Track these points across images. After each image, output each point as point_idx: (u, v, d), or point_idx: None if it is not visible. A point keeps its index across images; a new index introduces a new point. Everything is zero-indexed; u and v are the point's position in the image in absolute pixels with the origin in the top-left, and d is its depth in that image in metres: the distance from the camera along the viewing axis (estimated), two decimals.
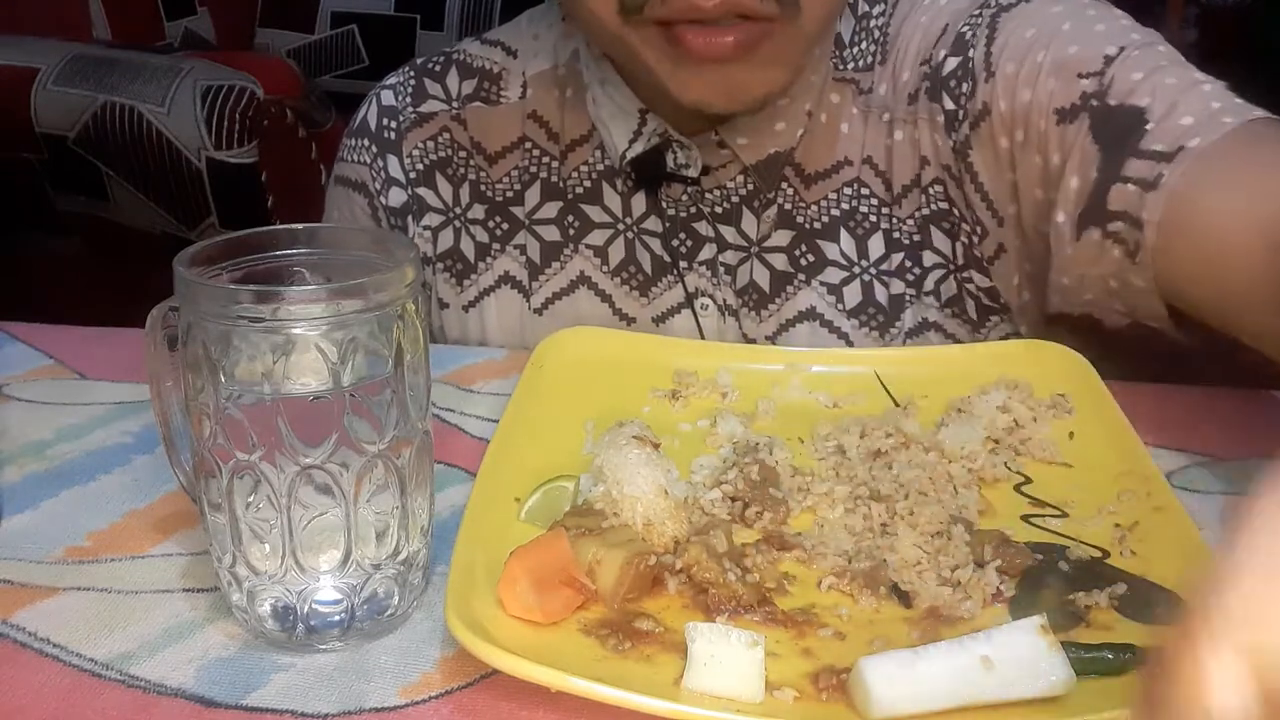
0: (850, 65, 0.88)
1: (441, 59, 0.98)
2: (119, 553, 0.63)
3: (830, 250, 0.89)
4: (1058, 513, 0.64)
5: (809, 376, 0.79)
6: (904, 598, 0.58)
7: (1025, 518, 0.64)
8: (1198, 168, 0.70)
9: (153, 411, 0.60)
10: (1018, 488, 0.67)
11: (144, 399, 0.64)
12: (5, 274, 1.91)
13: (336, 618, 0.55)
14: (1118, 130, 0.74)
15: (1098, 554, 0.61)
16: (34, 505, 0.68)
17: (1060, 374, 0.76)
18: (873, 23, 0.89)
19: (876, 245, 0.88)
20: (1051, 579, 0.59)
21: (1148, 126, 0.73)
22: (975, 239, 0.85)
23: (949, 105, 0.83)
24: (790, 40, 0.77)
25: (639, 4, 0.75)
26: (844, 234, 0.88)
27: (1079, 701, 0.49)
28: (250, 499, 0.53)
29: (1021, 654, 0.49)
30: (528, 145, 0.94)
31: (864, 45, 0.88)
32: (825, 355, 0.81)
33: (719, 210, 0.90)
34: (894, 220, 0.87)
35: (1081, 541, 0.62)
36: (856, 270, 0.88)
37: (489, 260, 0.95)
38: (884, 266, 0.88)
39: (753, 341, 0.91)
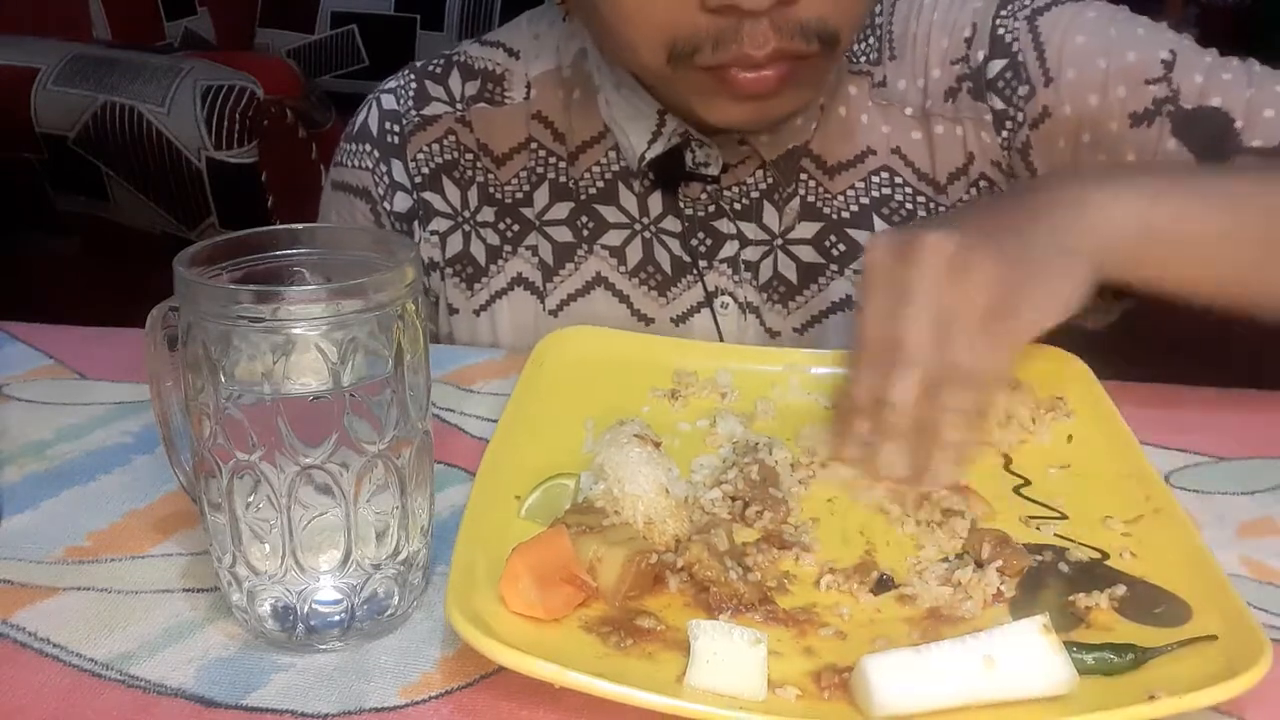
0: (862, 59, 0.90)
1: (441, 61, 0.97)
2: (119, 553, 0.63)
3: (863, 238, 0.89)
4: (1057, 515, 0.64)
5: (808, 378, 0.79)
6: (888, 583, 0.58)
7: (1025, 519, 0.64)
8: None
9: (153, 411, 0.60)
10: (1017, 490, 0.67)
11: (144, 399, 0.64)
12: (5, 274, 1.91)
13: (336, 618, 0.55)
14: (1205, 131, 0.80)
15: (1097, 555, 0.61)
16: (34, 505, 0.68)
17: (1058, 377, 0.76)
18: (877, 20, 0.90)
19: None
20: (1051, 580, 0.59)
21: (1236, 125, 0.80)
22: None
23: (998, 105, 0.86)
24: (825, 65, 0.80)
25: (689, 53, 0.75)
26: (878, 221, 0.89)
27: (1081, 701, 0.49)
28: (250, 499, 0.53)
29: (1024, 653, 0.49)
30: (533, 146, 0.94)
31: (870, 40, 0.90)
32: (824, 357, 0.81)
33: (738, 207, 0.90)
34: (936, 208, 0.89)
35: (1081, 543, 0.62)
36: None
37: (500, 263, 0.95)
38: None
39: (777, 335, 0.91)
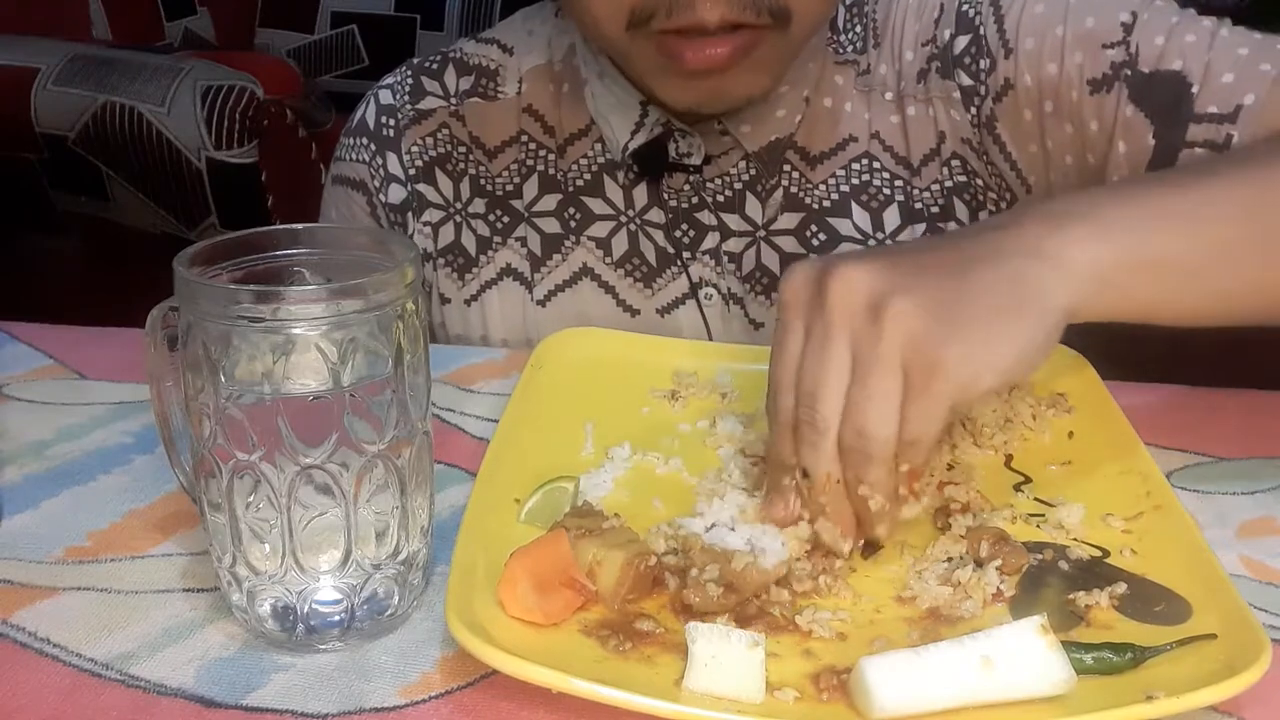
0: (849, 49, 0.91)
1: (438, 58, 0.99)
2: (119, 553, 0.63)
3: (843, 226, 0.90)
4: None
5: None
6: (872, 547, 0.59)
7: (1025, 517, 0.64)
8: (1261, 124, 0.75)
9: (153, 411, 0.60)
10: (1017, 487, 0.67)
11: (144, 399, 0.64)
12: (5, 274, 1.91)
13: (336, 618, 0.55)
14: (1162, 96, 0.78)
15: (1098, 553, 0.61)
16: (34, 505, 0.68)
17: (1060, 373, 0.76)
18: (867, 8, 0.91)
19: (892, 217, 0.90)
20: (1051, 578, 0.59)
21: (1193, 90, 0.77)
22: (1003, 205, 0.89)
23: (965, 81, 0.86)
24: (778, 47, 0.80)
25: (645, 18, 0.77)
26: (856, 209, 0.90)
27: (1080, 701, 0.49)
28: (250, 499, 0.53)
29: (1022, 654, 0.49)
30: (524, 139, 0.95)
31: (857, 29, 0.91)
32: None
33: (721, 198, 0.91)
34: (912, 190, 0.89)
35: (1081, 541, 0.62)
36: (872, 243, 0.90)
37: (490, 253, 0.96)
38: (902, 237, 0.90)
39: (761, 326, 0.91)
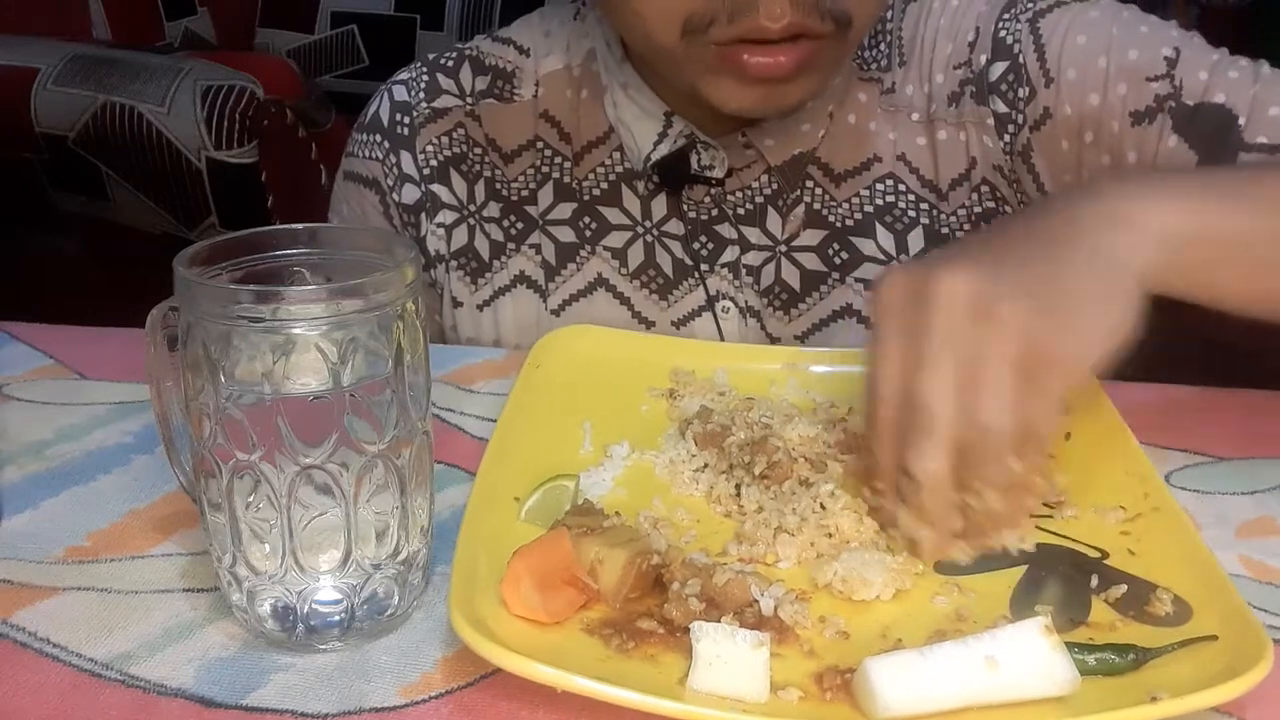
0: (873, 66, 0.89)
1: (454, 55, 0.97)
2: (119, 553, 0.63)
3: (866, 246, 0.89)
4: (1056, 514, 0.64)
5: (806, 376, 0.79)
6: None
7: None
8: None
9: (153, 411, 0.60)
10: None
11: (144, 399, 0.64)
12: (5, 274, 1.91)
13: (336, 618, 0.55)
14: (1208, 128, 0.78)
15: (1097, 555, 0.61)
16: (34, 505, 0.68)
17: None
18: (888, 25, 0.90)
19: (917, 240, 0.89)
20: (1051, 580, 0.59)
21: (1240, 122, 0.78)
22: None
23: (1000, 108, 0.85)
24: (836, 51, 0.79)
25: (704, 26, 0.75)
26: (880, 229, 0.89)
27: (1083, 702, 0.49)
28: (250, 499, 0.53)
29: (1026, 654, 0.49)
30: (539, 145, 0.94)
31: (880, 47, 0.89)
32: (823, 355, 0.81)
33: (742, 211, 0.90)
34: (938, 215, 0.89)
35: (1081, 542, 0.61)
36: (896, 265, 0.89)
37: (504, 259, 0.95)
38: None
39: (778, 341, 0.91)
